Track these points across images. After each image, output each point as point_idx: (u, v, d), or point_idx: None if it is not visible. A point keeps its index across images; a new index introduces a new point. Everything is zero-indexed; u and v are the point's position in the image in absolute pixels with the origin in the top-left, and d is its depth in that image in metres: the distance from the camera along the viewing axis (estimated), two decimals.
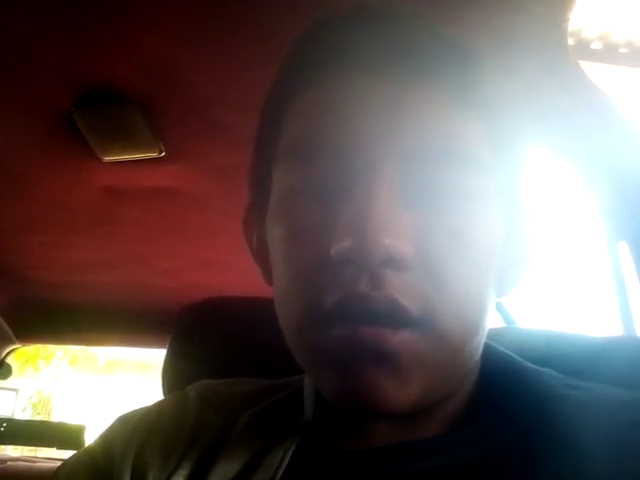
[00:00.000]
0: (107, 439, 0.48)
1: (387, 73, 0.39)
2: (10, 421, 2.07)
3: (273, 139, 0.44)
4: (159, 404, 0.52)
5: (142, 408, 0.51)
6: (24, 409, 6.16)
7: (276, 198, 0.43)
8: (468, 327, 0.39)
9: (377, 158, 0.38)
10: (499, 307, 1.33)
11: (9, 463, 1.50)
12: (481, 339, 0.41)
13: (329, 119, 0.40)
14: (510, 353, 0.46)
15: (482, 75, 0.42)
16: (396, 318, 0.36)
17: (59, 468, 0.49)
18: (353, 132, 0.39)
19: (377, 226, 0.35)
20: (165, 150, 1.08)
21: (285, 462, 0.42)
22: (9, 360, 1.92)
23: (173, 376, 0.74)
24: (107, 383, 6.37)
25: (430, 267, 0.37)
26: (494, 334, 0.45)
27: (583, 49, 2.46)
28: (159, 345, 1.73)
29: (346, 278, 0.36)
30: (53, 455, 2.06)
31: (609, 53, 2.53)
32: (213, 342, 0.76)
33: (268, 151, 0.45)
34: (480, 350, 0.42)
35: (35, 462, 1.59)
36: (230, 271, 1.55)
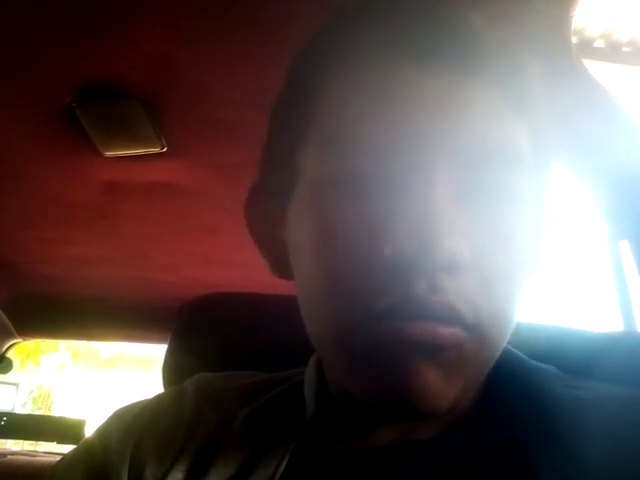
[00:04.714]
0: (104, 434, 0.48)
1: (443, 65, 0.37)
2: (10, 415, 2.08)
3: (302, 122, 0.41)
4: (156, 398, 0.51)
5: (139, 402, 0.51)
6: (24, 404, 6.18)
7: (309, 188, 0.40)
8: (504, 332, 0.38)
9: (431, 156, 0.36)
10: None
11: (9, 457, 1.51)
12: None
13: (381, 109, 0.37)
14: (511, 349, 0.46)
15: (529, 76, 0.41)
16: (451, 320, 0.34)
17: (58, 463, 0.49)
18: (406, 127, 0.36)
19: (439, 228, 0.33)
20: (167, 146, 1.08)
21: (285, 461, 0.41)
22: (10, 354, 1.92)
23: (174, 371, 0.74)
24: (108, 378, 6.37)
25: (482, 271, 0.35)
26: None
27: (585, 48, 2.45)
28: (160, 340, 1.73)
29: (401, 281, 0.34)
30: (53, 449, 2.06)
31: (612, 52, 2.52)
32: (214, 338, 0.76)
33: (292, 134, 0.42)
34: None
35: (35, 456, 1.59)
36: (231, 267, 1.55)
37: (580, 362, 0.47)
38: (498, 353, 0.39)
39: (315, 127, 0.40)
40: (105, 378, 6.39)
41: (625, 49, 2.56)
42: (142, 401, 0.51)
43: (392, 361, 0.35)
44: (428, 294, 0.34)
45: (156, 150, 1.09)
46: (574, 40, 0.76)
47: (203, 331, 0.77)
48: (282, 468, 0.41)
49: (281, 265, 0.45)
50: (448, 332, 0.34)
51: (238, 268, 1.44)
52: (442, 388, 0.35)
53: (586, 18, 2.38)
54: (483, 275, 0.35)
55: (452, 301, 0.34)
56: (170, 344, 0.76)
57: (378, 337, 0.35)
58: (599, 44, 2.53)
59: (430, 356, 0.34)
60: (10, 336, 1.84)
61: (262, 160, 0.47)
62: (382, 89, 0.37)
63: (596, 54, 2.47)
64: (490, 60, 0.38)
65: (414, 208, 0.34)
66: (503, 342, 0.39)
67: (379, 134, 0.36)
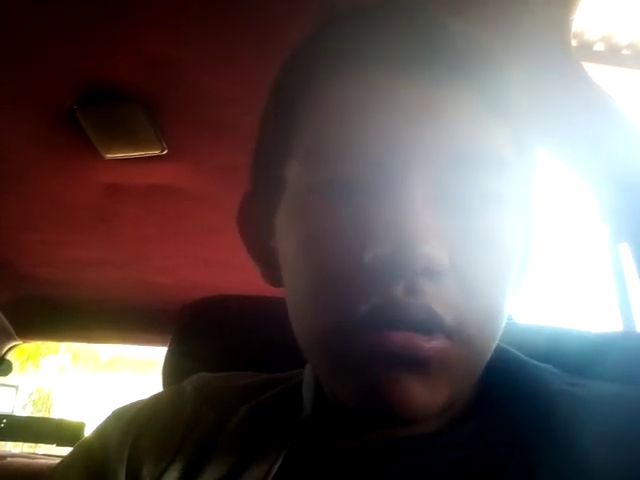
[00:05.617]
0: (102, 433, 0.48)
1: (421, 72, 0.38)
2: (10, 417, 2.07)
3: (287, 135, 0.42)
4: (155, 398, 0.51)
5: (138, 402, 0.51)
6: (24, 406, 6.17)
7: (294, 198, 0.41)
8: (491, 334, 0.38)
9: (412, 161, 0.36)
10: None
11: (9, 459, 1.50)
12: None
13: (361, 118, 0.38)
14: (510, 349, 0.46)
15: (507, 76, 0.41)
16: (430, 325, 0.35)
17: (57, 465, 0.49)
18: (387, 133, 0.37)
19: (416, 234, 0.34)
20: (167, 148, 1.08)
21: (280, 457, 0.42)
22: (10, 357, 1.92)
23: (174, 374, 0.74)
24: (107, 381, 6.37)
25: (462, 277, 0.36)
26: None
27: (585, 51, 2.46)
28: (160, 343, 1.74)
29: (381, 285, 0.35)
30: (52, 452, 2.06)
31: (612, 55, 2.53)
32: (214, 340, 0.76)
33: (279, 147, 0.43)
34: None
35: (34, 458, 1.59)
36: (231, 270, 1.54)
37: (579, 362, 0.47)
38: (487, 355, 0.39)
39: (300, 140, 0.41)
40: (105, 381, 6.39)
41: (625, 52, 2.57)
42: (141, 400, 0.51)
43: (375, 372, 0.35)
44: (406, 297, 0.34)
45: (156, 152, 1.09)
46: (574, 43, 0.76)
47: (203, 334, 0.77)
48: (278, 464, 0.41)
49: (271, 273, 0.46)
50: (429, 345, 0.35)
51: (238, 270, 1.44)
52: (427, 396, 0.35)
53: (586, 21, 2.38)
54: (464, 279, 0.36)
55: (431, 304, 0.35)
56: (170, 347, 0.76)
57: (360, 348, 0.36)
58: (599, 47, 2.53)
59: (412, 368, 0.35)
60: (10, 338, 1.84)
61: (251, 170, 0.48)
62: (365, 101, 0.38)
63: (596, 57, 2.48)
64: (470, 67, 0.39)
65: (392, 214, 0.35)
66: (491, 344, 0.39)
67: (360, 145, 0.37)
